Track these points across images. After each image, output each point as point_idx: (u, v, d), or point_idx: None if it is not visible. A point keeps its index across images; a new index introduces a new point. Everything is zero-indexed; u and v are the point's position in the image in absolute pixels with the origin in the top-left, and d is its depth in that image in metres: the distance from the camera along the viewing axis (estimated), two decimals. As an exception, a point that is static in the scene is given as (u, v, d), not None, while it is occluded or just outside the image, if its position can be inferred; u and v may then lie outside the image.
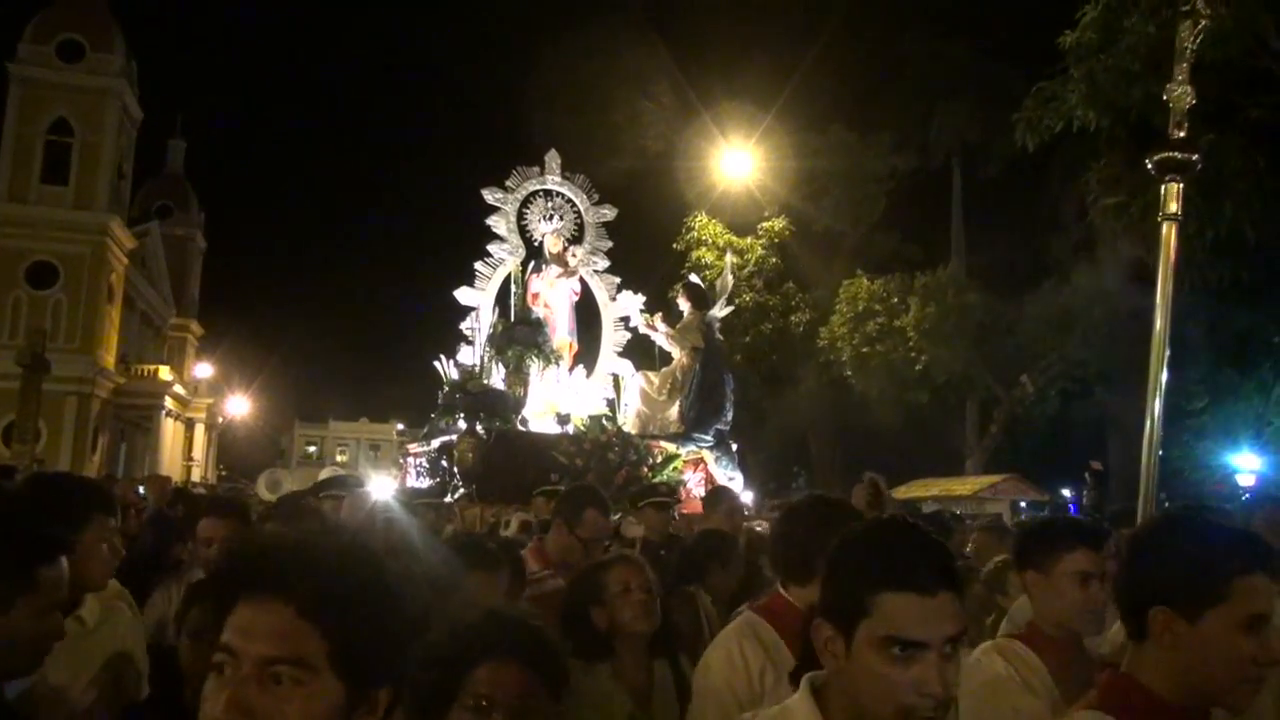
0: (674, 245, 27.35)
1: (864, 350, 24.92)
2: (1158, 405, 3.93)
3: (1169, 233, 3.98)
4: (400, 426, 69.40)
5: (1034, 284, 24.71)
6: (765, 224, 27.62)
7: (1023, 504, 21.64)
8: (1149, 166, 4.06)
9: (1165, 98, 4.16)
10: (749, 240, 28.08)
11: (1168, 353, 3.92)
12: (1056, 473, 27.73)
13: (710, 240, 27.21)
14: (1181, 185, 3.98)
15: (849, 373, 25.47)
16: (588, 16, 28.48)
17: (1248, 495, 20.19)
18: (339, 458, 71.74)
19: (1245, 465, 23.12)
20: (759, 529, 7.38)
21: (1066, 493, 27.40)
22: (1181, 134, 4.02)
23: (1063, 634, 2.50)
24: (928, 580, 1.50)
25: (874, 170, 28.01)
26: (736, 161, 26.06)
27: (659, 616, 2.88)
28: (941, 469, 26.00)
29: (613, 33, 27.50)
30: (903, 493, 22.53)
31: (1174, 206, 3.98)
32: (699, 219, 27.59)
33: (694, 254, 26.86)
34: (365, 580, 1.19)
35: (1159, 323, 3.93)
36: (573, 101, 26.69)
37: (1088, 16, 13.21)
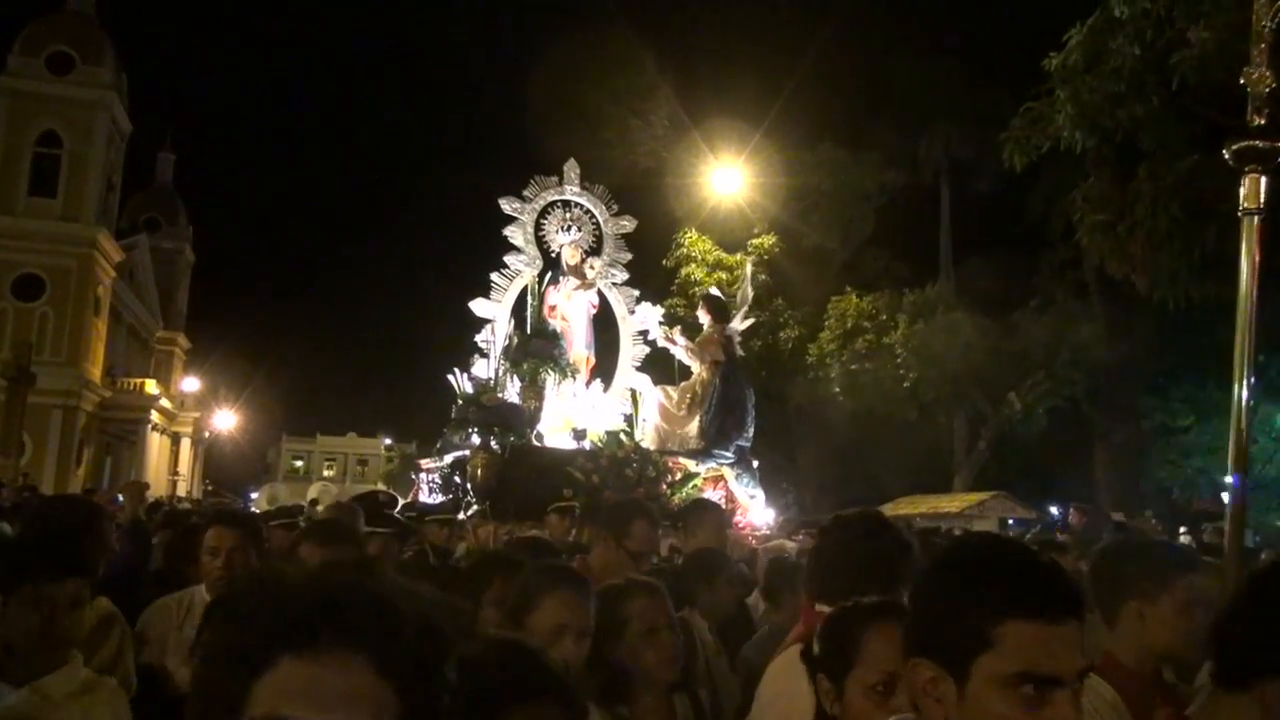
0: (664, 262, 27.40)
1: (853, 367, 24.98)
2: (1244, 393, 3.72)
3: (1251, 228, 3.69)
4: (388, 441, 69.14)
5: (1022, 302, 24.86)
6: (755, 240, 27.70)
7: (1010, 521, 21.69)
8: (1226, 158, 3.72)
9: (1242, 80, 3.79)
10: (739, 256, 28.18)
11: (1251, 349, 3.68)
12: (1045, 490, 27.81)
13: (700, 257, 27.27)
14: (1264, 178, 3.63)
15: (838, 390, 25.52)
16: (579, 34, 28.55)
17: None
18: (326, 472, 71.46)
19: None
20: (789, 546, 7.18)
21: (1055, 510, 27.50)
22: (1261, 121, 3.66)
23: (1145, 666, 2.28)
24: (1058, 606, 1.30)
25: (863, 188, 28.15)
26: (726, 178, 26.15)
27: (684, 656, 2.69)
28: (930, 486, 26.04)
29: (603, 50, 27.63)
30: (891, 510, 22.56)
31: (1256, 200, 3.66)
32: (689, 235, 27.65)
33: (684, 271, 26.90)
34: (441, 634, 1.00)
35: (1241, 317, 3.72)
36: (564, 118, 26.77)
37: (1074, 39, 13.33)
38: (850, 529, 2.55)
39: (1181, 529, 17.14)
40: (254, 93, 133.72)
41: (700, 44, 31.41)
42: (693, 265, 27.07)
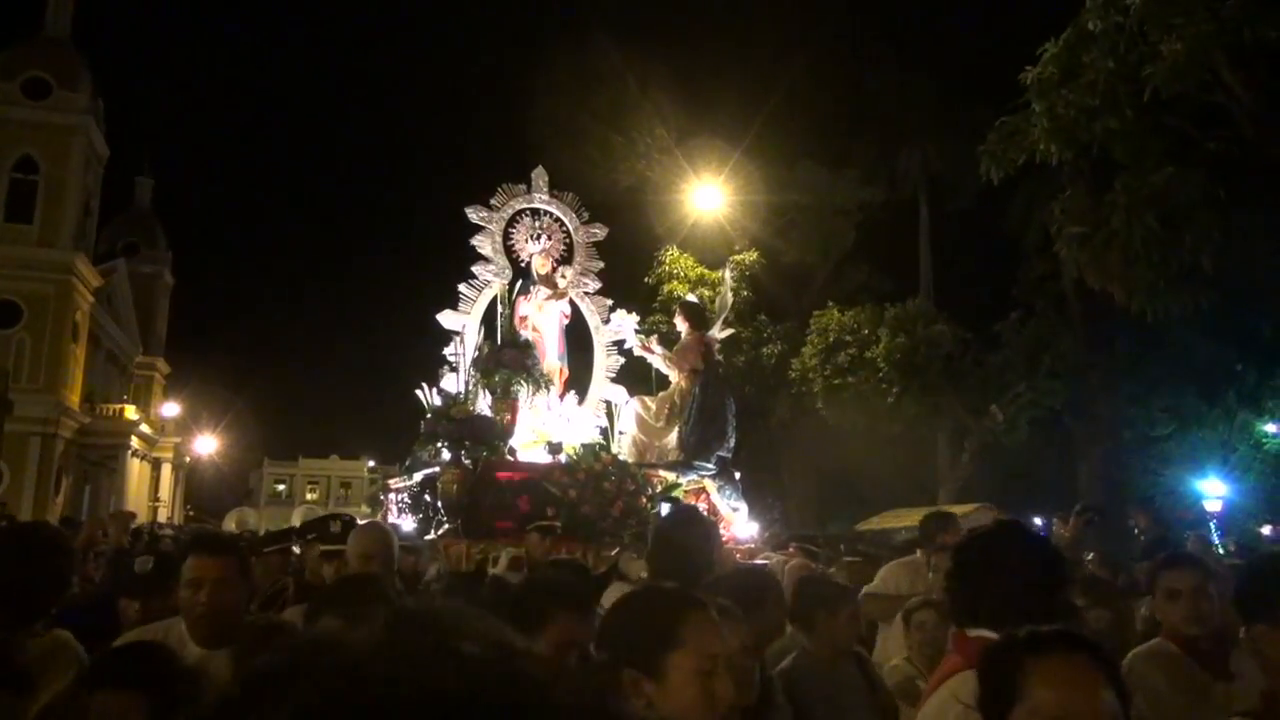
0: (645, 279, 27.45)
1: (835, 382, 25.05)
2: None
3: None
4: (371, 463, 68.77)
5: (1002, 314, 25.04)
6: (736, 257, 27.82)
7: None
8: None
9: None
10: (720, 273, 28.28)
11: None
12: (1028, 502, 27.90)
13: (682, 274, 27.34)
14: None
15: (820, 404, 25.58)
16: (558, 54, 28.68)
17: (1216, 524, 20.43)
18: (309, 496, 70.93)
19: (1212, 491, 23.43)
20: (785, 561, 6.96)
21: (1038, 521, 27.59)
22: None
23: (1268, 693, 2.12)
24: None
25: (842, 204, 28.34)
26: (707, 196, 26.27)
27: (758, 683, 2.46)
28: (914, 499, 26.08)
29: (584, 69, 27.76)
30: (876, 524, 22.58)
31: None
32: (670, 253, 27.74)
33: (665, 288, 26.96)
34: None
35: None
36: (543, 136, 26.86)
37: (1049, 52, 13.50)
38: (996, 543, 2.38)
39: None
40: (229, 117, 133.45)
41: (681, 63, 31.58)
42: (674, 282, 27.13)
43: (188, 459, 52.98)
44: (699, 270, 27.46)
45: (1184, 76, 12.06)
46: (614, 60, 27.87)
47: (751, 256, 28.04)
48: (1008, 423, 24.53)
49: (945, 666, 2.35)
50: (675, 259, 27.62)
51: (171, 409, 50.23)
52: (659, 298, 26.62)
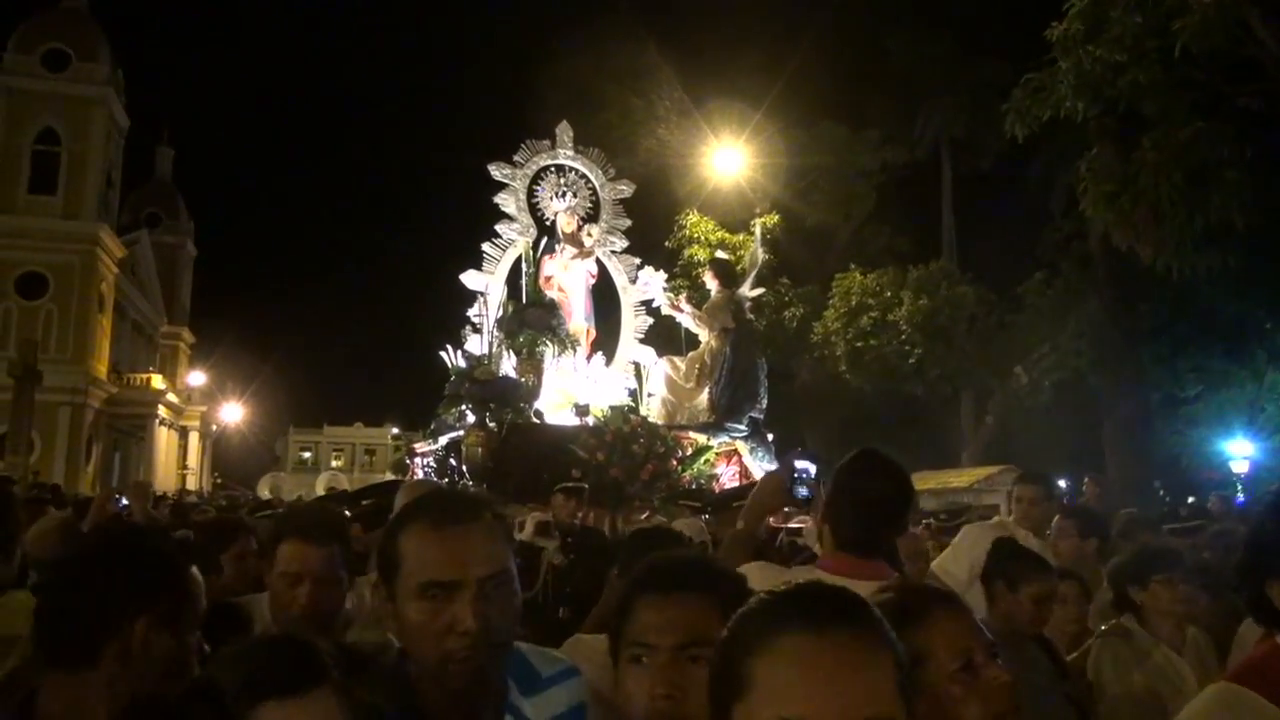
0: (666, 244, 27.35)
1: (858, 345, 24.95)
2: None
3: None
4: (395, 430, 69.26)
5: (1026, 275, 24.81)
6: (757, 220, 27.64)
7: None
8: None
9: None
10: (741, 237, 28.12)
11: None
12: (1052, 464, 27.77)
13: (702, 238, 27.21)
14: None
15: (843, 367, 25.51)
16: (577, 16, 28.45)
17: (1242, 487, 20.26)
18: (334, 463, 71.71)
19: (1239, 452, 23.25)
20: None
21: (1063, 483, 27.49)
22: None
23: None
24: None
25: (863, 165, 28.07)
26: (727, 159, 26.05)
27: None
28: (937, 462, 26.04)
29: (602, 32, 27.51)
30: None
31: None
32: (690, 217, 27.58)
33: (686, 252, 26.85)
34: None
35: None
36: (562, 100, 26.67)
37: (1075, 8, 13.24)
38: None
39: (1189, 499, 17.15)
40: (248, 84, 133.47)
41: (700, 24, 31.22)
42: (695, 247, 27.01)
43: (214, 427, 53.60)
44: (720, 234, 27.30)
45: (1214, 30, 11.81)
46: (633, 23, 27.61)
47: (773, 220, 27.86)
48: (1032, 385, 24.40)
49: (1257, 652, 2.04)
50: (696, 223, 27.47)
51: (197, 378, 50.77)
52: (680, 262, 26.52)
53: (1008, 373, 24.95)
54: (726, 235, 27.26)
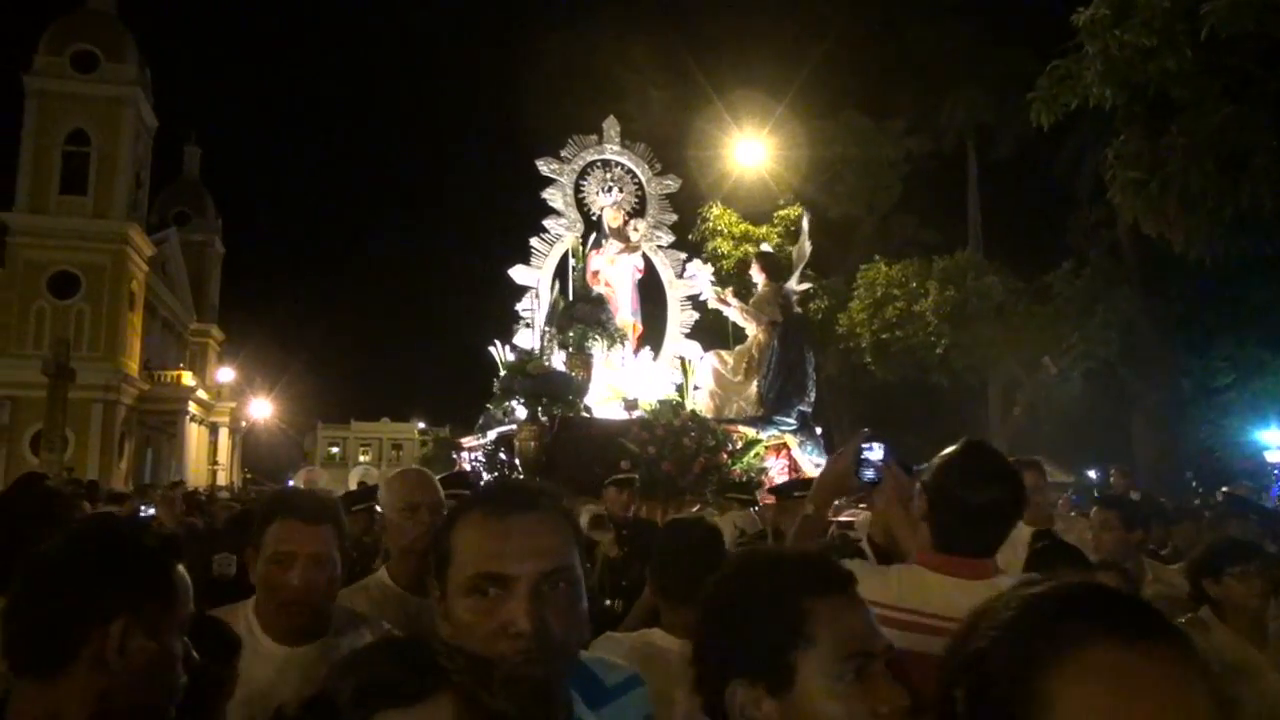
0: (689, 236, 27.29)
1: (884, 336, 24.81)
2: None
3: None
4: (421, 425, 69.73)
5: (1053, 264, 24.54)
6: (780, 212, 27.49)
7: (1047, 486, 21.46)
8: None
9: None
10: (764, 229, 28.02)
11: None
12: (1081, 454, 27.53)
13: (726, 230, 27.12)
14: None
15: (869, 359, 25.37)
16: (599, 6, 28.40)
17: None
18: (362, 458, 72.29)
19: (1273, 441, 22.91)
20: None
21: (1092, 474, 27.24)
22: None
23: None
24: None
25: (888, 155, 27.85)
26: (750, 150, 25.93)
27: None
28: (965, 453, 25.86)
29: (624, 23, 27.50)
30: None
31: None
32: (714, 209, 27.49)
33: (710, 245, 26.77)
34: None
35: None
36: (585, 91, 26.70)
37: (1101, -8, 13.05)
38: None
39: (1223, 489, 16.91)
40: (275, 81, 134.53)
41: (721, 15, 31.15)
42: (719, 239, 26.93)
43: (244, 423, 54.15)
44: (744, 226, 27.20)
45: (1243, 12, 11.60)
46: (653, 15, 27.56)
47: (796, 211, 27.73)
48: (1061, 375, 24.15)
49: None
50: (720, 215, 27.38)
51: (226, 374, 51.30)
52: (703, 254, 26.46)
53: (1036, 363, 24.71)
54: (750, 228, 27.15)
